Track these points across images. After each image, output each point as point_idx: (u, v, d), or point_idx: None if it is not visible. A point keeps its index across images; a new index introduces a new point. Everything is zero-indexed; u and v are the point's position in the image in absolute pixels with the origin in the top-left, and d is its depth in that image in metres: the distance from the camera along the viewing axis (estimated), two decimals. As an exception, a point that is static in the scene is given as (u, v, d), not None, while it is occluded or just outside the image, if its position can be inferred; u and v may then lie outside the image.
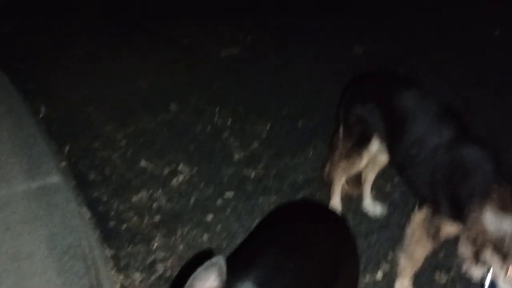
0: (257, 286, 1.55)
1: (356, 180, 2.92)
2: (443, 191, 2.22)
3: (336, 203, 2.92)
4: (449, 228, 2.24)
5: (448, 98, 2.83)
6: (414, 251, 2.36)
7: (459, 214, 2.14)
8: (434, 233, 2.28)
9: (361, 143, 2.61)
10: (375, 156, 2.68)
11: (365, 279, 2.55)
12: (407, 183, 2.53)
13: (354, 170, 2.75)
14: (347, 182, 2.90)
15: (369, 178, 2.89)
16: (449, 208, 2.20)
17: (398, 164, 2.49)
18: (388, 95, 2.49)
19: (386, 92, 2.53)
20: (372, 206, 2.93)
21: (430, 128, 2.31)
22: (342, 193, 2.92)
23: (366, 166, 2.75)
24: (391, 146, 2.47)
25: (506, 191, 1.98)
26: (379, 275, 2.58)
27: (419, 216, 2.34)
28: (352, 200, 3.01)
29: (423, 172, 2.30)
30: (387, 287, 2.51)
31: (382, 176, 3.02)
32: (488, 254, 2.00)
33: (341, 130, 2.74)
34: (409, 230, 2.38)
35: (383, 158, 2.67)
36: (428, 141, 2.28)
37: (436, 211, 2.26)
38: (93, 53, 4.99)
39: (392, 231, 2.82)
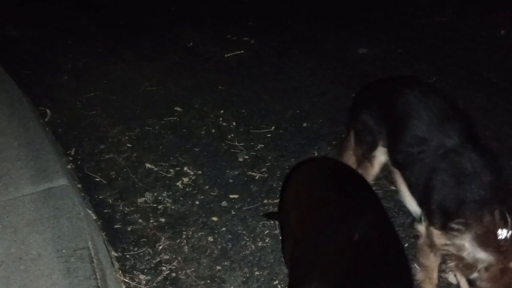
0: None
1: None
2: (436, 198, 2.14)
3: None
4: (441, 240, 2.13)
5: (452, 98, 2.83)
6: (425, 262, 2.30)
7: (446, 226, 2.06)
8: (431, 245, 2.20)
9: (370, 150, 2.61)
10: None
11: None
12: (407, 185, 2.52)
13: (369, 177, 2.71)
14: None
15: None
16: (440, 219, 2.11)
17: (398, 163, 2.46)
18: (393, 95, 2.49)
19: (391, 94, 2.53)
20: None
21: (433, 128, 2.24)
22: None
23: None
24: (392, 144, 2.46)
25: (491, 223, 1.85)
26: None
27: (421, 227, 2.28)
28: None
29: (420, 174, 2.24)
30: None
31: (386, 177, 3.02)
32: (455, 269, 1.96)
33: (352, 136, 2.74)
34: (418, 241, 2.34)
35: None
36: (429, 141, 2.21)
37: (429, 222, 2.19)
38: (98, 57, 5.04)
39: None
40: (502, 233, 1.82)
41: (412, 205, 2.76)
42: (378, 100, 2.59)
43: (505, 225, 1.84)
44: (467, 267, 1.88)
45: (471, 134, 2.22)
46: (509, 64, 4.35)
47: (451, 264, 1.96)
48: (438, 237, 2.13)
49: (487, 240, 1.83)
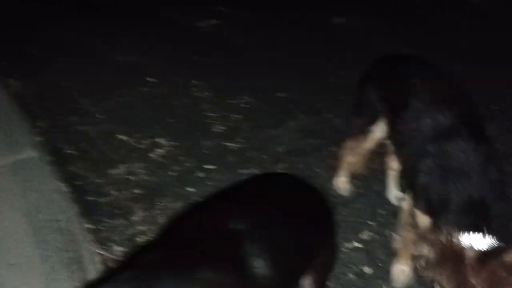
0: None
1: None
2: (421, 183, 2.10)
3: (341, 181, 2.90)
4: (423, 220, 2.08)
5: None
6: (404, 236, 2.31)
7: (430, 213, 2.02)
8: (412, 222, 2.18)
9: (368, 124, 2.58)
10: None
11: (346, 245, 2.56)
12: (398, 163, 2.51)
13: (360, 151, 2.70)
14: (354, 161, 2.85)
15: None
16: (424, 203, 2.08)
17: (395, 141, 2.43)
18: (399, 74, 2.45)
19: (398, 72, 2.49)
20: (342, 184, 2.92)
21: (432, 109, 2.16)
22: (349, 172, 2.88)
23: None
24: (392, 122, 2.41)
25: (458, 244, 1.73)
26: (359, 242, 2.60)
27: (405, 203, 2.27)
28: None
29: (411, 154, 2.21)
30: (367, 254, 2.53)
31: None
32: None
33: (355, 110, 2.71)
34: (401, 215, 2.33)
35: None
36: (424, 122, 2.15)
37: (414, 203, 2.16)
38: (68, 27, 4.87)
39: (372, 199, 2.84)
40: (471, 251, 1.71)
41: (393, 191, 2.77)
42: (384, 77, 2.55)
43: (479, 242, 1.75)
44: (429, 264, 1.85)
45: (470, 119, 2.14)
46: (492, 33, 4.37)
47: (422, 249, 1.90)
48: (421, 218, 2.11)
49: (446, 256, 1.74)
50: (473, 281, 1.68)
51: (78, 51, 4.45)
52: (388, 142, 2.59)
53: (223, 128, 3.43)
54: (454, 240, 1.72)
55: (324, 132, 3.34)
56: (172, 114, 3.59)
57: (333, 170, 2.97)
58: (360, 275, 2.42)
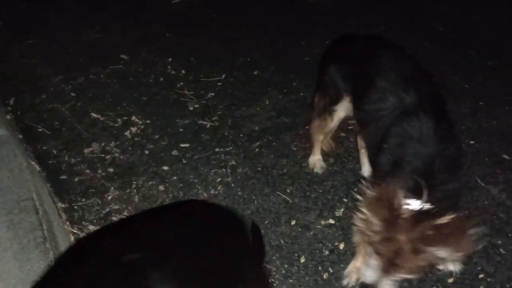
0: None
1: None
2: (380, 160, 2.11)
3: (315, 159, 2.92)
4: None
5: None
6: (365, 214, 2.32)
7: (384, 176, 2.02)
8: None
9: (332, 104, 2.59)
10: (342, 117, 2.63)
11: (321, 223, 2.59)
12: (365, 143, 2.52)
13: (327, 129, 2.72)
14: (324, 139, 2.87)
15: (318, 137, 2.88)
16: (380, 167, 2.10)
17: (359, 120, 2.45)
18: (364, 54, 2.45)
19: (363, 52, 2.48)
20: (316, 162, 2.94)
21: (397, 89, 2.17)
22: (321, 150, 2.91)
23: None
24: (357, 102, 2.42)
25: (390, 193, 1.76)
26: (334, 219, 2.63)
27: (367, 184, 2.29)
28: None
29: (376, 133, 2.21)
30: (342, 230, 2.56)
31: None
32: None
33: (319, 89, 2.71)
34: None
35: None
36: (389, 101, 2.16)
37: (375, 173, 2.18)
38: (36, 4, 4.73)
39: (346, 177, 2.86)
40: (406, 206, 1.76)
41: (367, 168, 2.79)
42: (349, 57, 2.55)
43: (414, 198, 1.80)
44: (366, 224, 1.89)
45: (432, 98, 2.16)
46: (455, 13, 4.42)
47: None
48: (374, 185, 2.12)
49: (378, 208, 1.79)
50: (401, 237, 1.73)
51: (49, 28, 4.33)
52: (354, 121, 2.61)
53: (198, 106, 3.41)
54: (395, 198, 1.76)
55: (298, 110, 3.34)
56: (147, 92, 3.54)
57: (307, 148, 2.99)
58: (335, 251, 2.46)
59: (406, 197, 1.79)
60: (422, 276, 2.21)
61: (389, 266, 1.81)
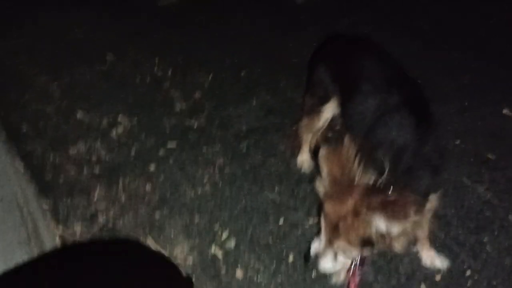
0: None
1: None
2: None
3: (303, 159, 2.91)
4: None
5: (388, 47, 2.85)
6: None
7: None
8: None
9: (320, 104, 2.60)
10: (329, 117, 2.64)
11: (309, 221, 2.59)
12: None
13: (315, 129, 2.73)
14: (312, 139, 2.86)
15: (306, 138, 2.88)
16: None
17: (347, 125, 2.45)
18: (351, 56, 2.46)
19: (350, 54, 2.50)
20: (304, 161, 2.94)
21: (379, 90, 2.19)
22: (309, 149, 2.91)
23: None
24: (344, 104, 2.44)
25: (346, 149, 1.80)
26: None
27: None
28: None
29: (361, 136, 2.14)
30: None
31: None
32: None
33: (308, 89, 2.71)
34: None
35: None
36: (373, 102, 2.16)
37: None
38: (21, 2, 4.68)
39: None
40: (362, 174, 1.78)
41: None
42: (337, 58, 2.56)
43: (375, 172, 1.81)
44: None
45: (415, 100, 2.17)
46: (443, 13, 4.45)
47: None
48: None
49: (332, 163, 1.80)
50: (348, 201, 1.76)
51: (34, 27, 4.29)
52: (341, 121, 2.62)
53: (185, 106, 3.39)
54: (351, 160, 1.78)
55: (286, 111, 3.34)
56: (133, 92, 3.52)
57: (295, 148, 2.99)
58: (323, 249, 2.45)
59: (366, 167, 1.80)
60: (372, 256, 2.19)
61: (332, 232, 1.83)
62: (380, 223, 1.71)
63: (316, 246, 1.94)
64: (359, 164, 1.78)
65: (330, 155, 1.81)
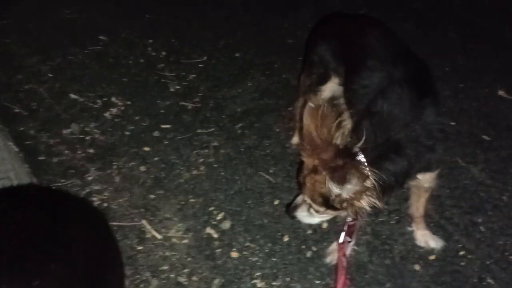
0: None
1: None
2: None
3: (298, 140, 2.88)
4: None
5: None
6: None
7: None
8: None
9: (319, 83, 2.57)
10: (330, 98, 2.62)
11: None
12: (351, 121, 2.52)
13: None
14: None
15: None
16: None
17: (348, 100, 2.43)
18: (354, 34, 2.43)
19: (352, 32, 2.47)
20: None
21: (386, 63, 2.16)
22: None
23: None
24: (347, 82, 2.40)
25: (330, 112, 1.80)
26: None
27: None
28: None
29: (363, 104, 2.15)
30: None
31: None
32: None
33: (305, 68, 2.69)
34: None
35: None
36: (379, 75, 2.14)
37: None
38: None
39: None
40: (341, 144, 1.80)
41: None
42: (339, 36, 2.52)
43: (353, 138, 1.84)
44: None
45: (419, 77, 2.16)
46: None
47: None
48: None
49: (312, 119, 1.81)
50: (318, 155, 1.79)
51: (24, 7, 4.21)
52: (341, 100, 2.60)
53: (179, 87, 3.36)
54: (329, 120, 1.79)
55: (281, 92, 3.32)
56: (127, 74, 3.48)
57: (290, 129, 2.98)
58: (318, 230, 2.46)
59: (346, 130, 1.84)
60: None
61: (301, 186, 1.93)
62: (328, 184, 1.76)
63: (298, 199, 2.09)
64: (337, 126, 1.80)
65: (313, 111, 1.82)
